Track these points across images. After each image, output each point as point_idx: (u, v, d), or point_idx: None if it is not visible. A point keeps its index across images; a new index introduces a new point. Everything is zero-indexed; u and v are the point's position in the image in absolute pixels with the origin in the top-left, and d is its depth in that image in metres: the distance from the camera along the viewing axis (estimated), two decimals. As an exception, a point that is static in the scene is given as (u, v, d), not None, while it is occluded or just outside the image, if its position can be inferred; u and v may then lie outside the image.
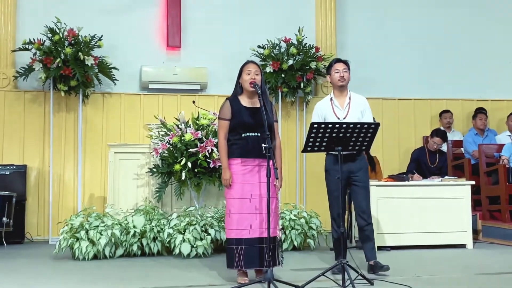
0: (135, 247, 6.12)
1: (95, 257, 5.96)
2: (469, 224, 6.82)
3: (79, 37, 7.96)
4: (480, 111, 8.99)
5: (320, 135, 4.54)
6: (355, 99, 5.23)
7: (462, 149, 8.76)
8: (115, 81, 8.30)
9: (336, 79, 5.19)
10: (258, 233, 4.57)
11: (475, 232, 7.45)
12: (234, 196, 4.63)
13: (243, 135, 4.65)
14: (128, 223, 6.18)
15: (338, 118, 5.12)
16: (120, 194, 6.89)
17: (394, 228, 6.66)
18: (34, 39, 7.89)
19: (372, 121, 5.21)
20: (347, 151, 4.82)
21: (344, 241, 5.19)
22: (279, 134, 4.94)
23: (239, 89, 4.78)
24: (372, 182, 6.25)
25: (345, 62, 5.25)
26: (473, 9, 9.72)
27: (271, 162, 4.42)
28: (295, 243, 6.48)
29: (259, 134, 4.62)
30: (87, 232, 5.98)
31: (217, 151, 6.36)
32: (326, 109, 5.21)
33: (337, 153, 4.72)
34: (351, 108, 5.16)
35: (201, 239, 6.07)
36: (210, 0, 8.98)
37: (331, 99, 5.24)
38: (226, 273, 4.97)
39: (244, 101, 4.74)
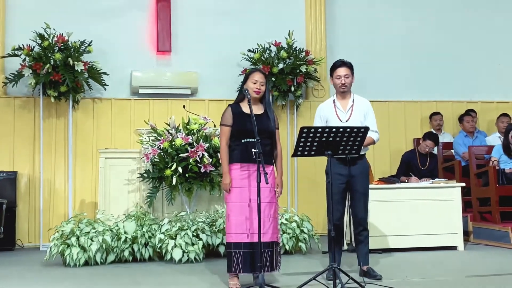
0: (126, 253, 6.10)
1: (86, 263, 5.94)
2: (460, 226, 6.85)
3: (69, 42, 7.94)
4: (466, 114, 9.02)
5: (310, 139, 4.54)
6: (359, 102, 5.23)
7: (452, 151, 8.80)
8: (105, 86, 8.27)
9: (337, 85, 5.19)
10: (257, 237, 4.56)
11: (466, 233, 7.48)
12: (233, 201, 4.65)
13: (243, 141, 4.69)
14: (119, 228, 6.16)
15: (341, 121, 5.12)
16: (111, 199, 6.85)
17: (384, 230, 6.68)
18: (23, 45, 7.86)
19: (375, 124, 5.22)
20: (337, 155, 4.83)
21: (339, 245, 5.21)
22: (280, 141, 4.94)
23: (242, 95, 4.80)
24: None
25: (349, 66, 5.20)
26: (463, 12, 9.77)
27: (263, 167, 4.44)
28: (287, 247, 6.48)
29: (259, 140, 4.63)
30: (78, 238, 5.96)
31: (208, 156, 6.38)
32: (328, 111, 5.21)
33: (339, 156, 4.78)
34: (354, 111, 5.16)
35: (193, 244, 6.06)
36: (200, 5, 8.98)
37: (333, 101, 5.25)
38: (218, 278, 4.98)
39: (246, 107, 4.75)
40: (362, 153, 5.10)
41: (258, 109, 4.78)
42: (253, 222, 4.59)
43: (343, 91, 5.19)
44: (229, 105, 4.86)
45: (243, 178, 4.67)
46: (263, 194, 4.55)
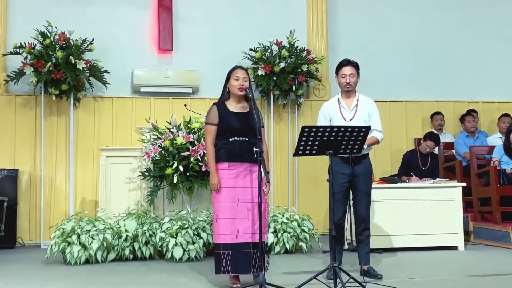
0: (127, 251, 6.10)
1: (87, 261, 5.95)
2: (461, 226, 6.84)
3: (70, 40, 7.94)
4: (467, 114, 9.01)
5: (311, 138, 4.53)
6: (363, 101, 5.23)
7: (453, 151, 8.79)
8: (106, 84, 8.28)
9: (342, 84, 5.20)
10: (245, 238, 4.56)
11: (467, 233, 7.47)
12: (221, 201, 4.62)
13: (230, 139, 4.65)
14: (120, 227, 6.17)
15: (345, 119, 5.13)
16: (112, 198, 6.86)
17: (385, 230, 6.68)
18: (25, 43, 7.87)
19: (380, 124, 5.22)
20: (339, 155, 4.83)
21: (340, 244, 5.21)
22: (265, 138, 4.93)
23: (226, 94, 4.78)
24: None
25: (354, 65, 5.21)
26: (464, 11, 9.77)
27: (264, 166, 4.42)
28: (287, 246, 6.49)
29: (246, 139, 4.62)
30: (78, 236, 5.96)
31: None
32: (333, 109, 5.21)
33: (343, 156, 4.77)
34: (359, 110, 5.16)
35: (193, 243, 6.07)
36: (202, 4, 8.98)
37: (338, 99, 5.25)
38: (218, 277, 4.96)
39: (231, 106, 4.74)
40: (365, 152, 5.11)
41: (243, 107, 4.75)
42: (242, 223, 4.57)
43: (348, 90, 5.19)
44: (214, 103, 4.81)
45: (231, 178, 4.62)
46: (253, 194, 4.55)
